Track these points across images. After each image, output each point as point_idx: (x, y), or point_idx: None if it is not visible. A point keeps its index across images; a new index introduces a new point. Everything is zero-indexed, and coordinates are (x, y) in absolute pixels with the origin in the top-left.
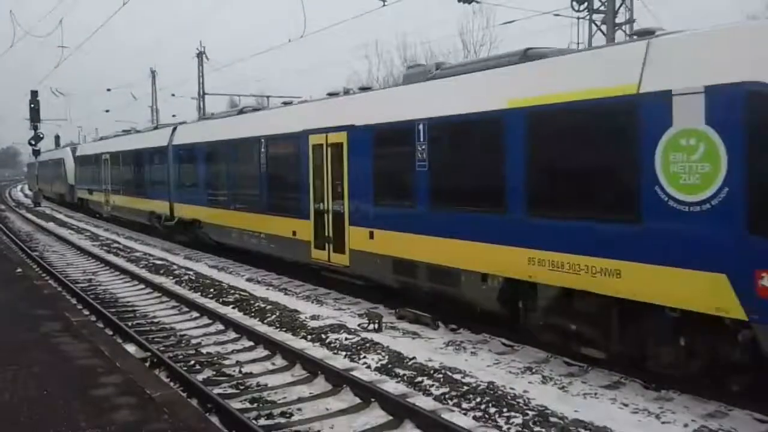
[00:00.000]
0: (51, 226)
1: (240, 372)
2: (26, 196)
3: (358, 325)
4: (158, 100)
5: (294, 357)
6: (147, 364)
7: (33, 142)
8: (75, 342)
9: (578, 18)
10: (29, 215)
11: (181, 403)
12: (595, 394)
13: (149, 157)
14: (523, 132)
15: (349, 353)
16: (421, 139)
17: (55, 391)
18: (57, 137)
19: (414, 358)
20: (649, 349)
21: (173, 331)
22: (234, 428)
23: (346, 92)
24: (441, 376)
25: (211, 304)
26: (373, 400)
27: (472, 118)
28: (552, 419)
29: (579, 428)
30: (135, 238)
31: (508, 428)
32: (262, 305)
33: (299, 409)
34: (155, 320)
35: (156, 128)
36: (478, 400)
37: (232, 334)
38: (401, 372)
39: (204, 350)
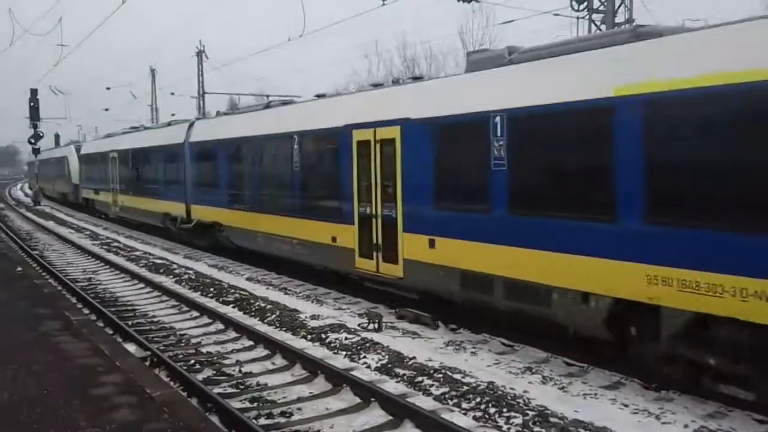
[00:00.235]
0: (51, 224)
1: (240, 371)
2: (26, 194)
3: (358, 325)
4: (157, 98)
5: (294, 356)
6: (147, 364)
7: (33, 141)
8: (75, 341)
9: (578, 18)
10: (29, 214)
11: (181, 402)
12: (595, 394)
13: (163, 155)
14: (642, 123)
15: (349, 353)
16: (498, 134)
17: (55, 390)
18: (57, 136)
19: (414, 357)
20: None
21: (173, 331)
22: (234, 428)
23: (396, 82)
24: (441, 375)
25: (211, 303)
26: (373, 399)
27: (570, 109)
28: (552, 419)
29: (579, 428)
30: (135, 237)
31: (508, 428)
32: (262, 305)
33: (299, 409)
34: (155, 319)
35: (169, 124)
36: (478, 400)
37: (232, 334)
38: (401, 372)
39: (204, 350)
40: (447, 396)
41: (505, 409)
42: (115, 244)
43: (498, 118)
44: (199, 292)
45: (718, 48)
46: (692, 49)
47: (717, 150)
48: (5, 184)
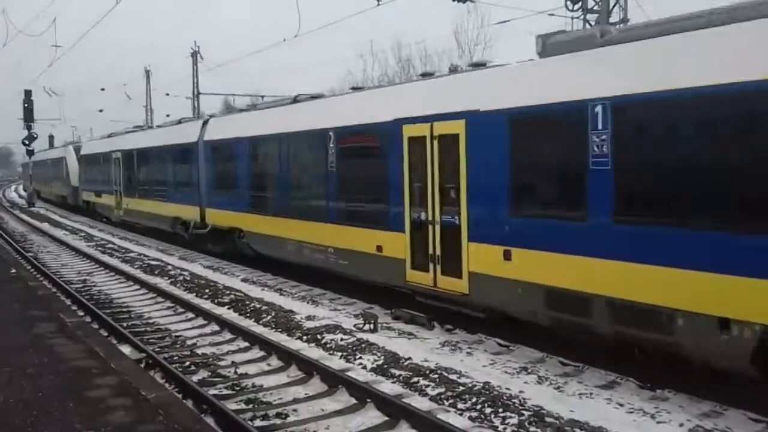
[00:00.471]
0: (45, 226)
1: (235, 373)
2: (21, 196)
3: (354, 326)
4: (152, 99)
5: (289, 358)
6: (142, 366)
7: (27, 142)
8: (70, 343)
9: (572, 18)
10: (23, 216)
11: (177, 404)
12: (591, 393)
13: (173, 154)
14: None
15: (344, 354)
16: (600, 127)
17: (50, 392)
18: (51, 137)
19: (410, 358)
20: None
21: (168, 332)
22: (229, 429)
23: (453, 70)
24: (437, 376)
25: (206, 304)
26: (368, 400)
27: (708, 95)
28: (548, 419)
29: (574, 428)
30: (130, 238)
31: (504, 428)
32: (258, 306)
33: (295, 410)
34: (150, 321)
35: (180, 122)
36: (474, 400)
37: (228, 335)
38: (397, 372)
39: (199, 351)
40: (443, 396)
41: (500, 410)
42: (110, 245)
43: (600, 108)
44: (195, 294)
45: None
46: None
47: None
48: None
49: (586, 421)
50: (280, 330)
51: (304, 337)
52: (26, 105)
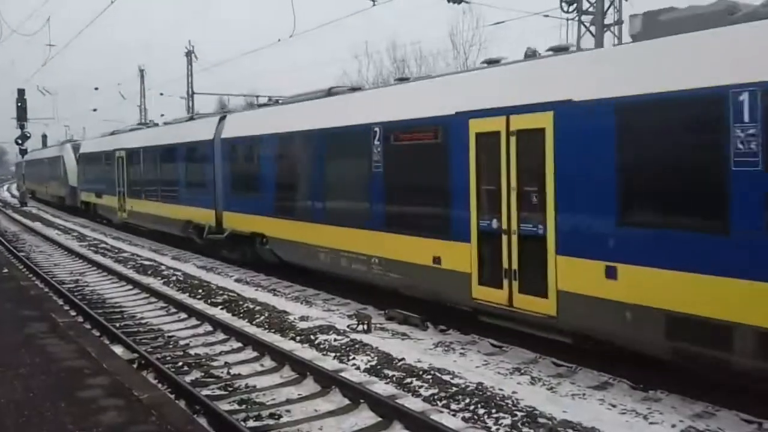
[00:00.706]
0: (37, 226)
1: (228, 373)
2: (13, 196)
3: (348, 326)
4: (146, 99)
5: (283, 358)
6: (134, 366)
7: (20, 141)
8: (62, 343)
9: (567, 19)
10: (16, 215)
11: (169, 404)
12: (584, 394)
13: (184, 153)
14: None
15: (338, 354)
16: (745, 119)
17: (42, 393)
18: (44, 136)
19: (403, 359)
20: None
21: (161, 333)
22: (222, 430)
23: (531, 55)
24: (430, 377)
25: (199, 305)
26: (362, 401)
27: None
28: (540, 420)
29: (567, 429)
30: (123, 238)
31: (497, 429)
32: (251, 306)
33: (288, 411)
34: (143, 321)
35: (192, 119)
36: (467, 401)
37: (221, 336)
38: (390, 373)
39: (192, 351)
40: (436, 397)
41: (494, 410)
42: (103, 245)
43: (743, 96)
44: (188, 294)
45: None
46: None
47: None
48: None
49: (578, 422)
50: (273, 330)
51: (298, 338)
52: (19, 104)
